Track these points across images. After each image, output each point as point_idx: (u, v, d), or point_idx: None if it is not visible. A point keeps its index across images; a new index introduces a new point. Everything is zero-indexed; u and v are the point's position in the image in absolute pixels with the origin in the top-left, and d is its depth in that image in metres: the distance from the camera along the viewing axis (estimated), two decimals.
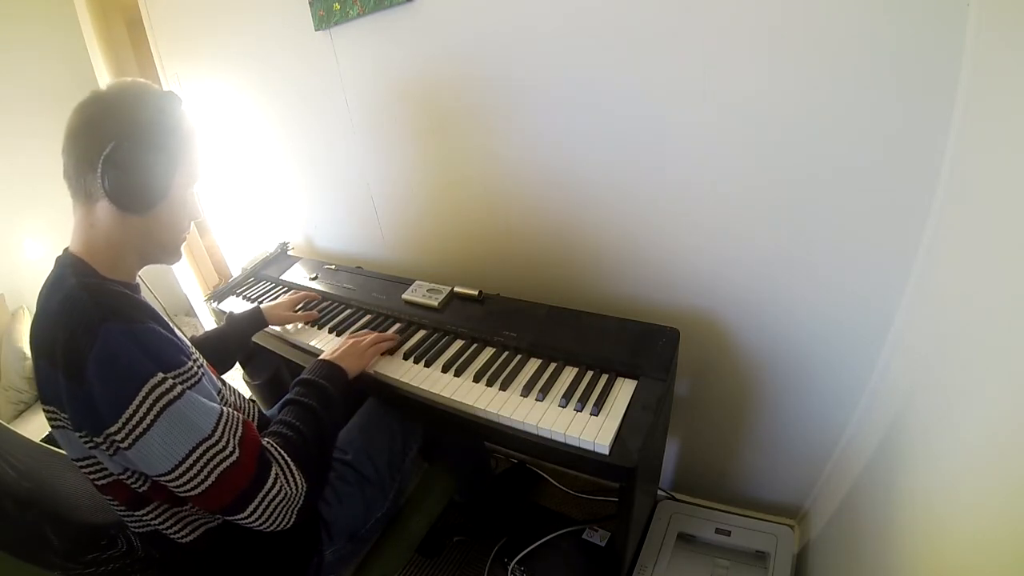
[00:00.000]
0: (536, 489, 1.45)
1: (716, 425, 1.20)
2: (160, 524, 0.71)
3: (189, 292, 2.52)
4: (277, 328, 1.18)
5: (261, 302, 1.34)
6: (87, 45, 1.99)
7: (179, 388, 0.62)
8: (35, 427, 1.82)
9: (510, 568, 1.18)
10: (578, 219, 1.13)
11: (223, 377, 0.92)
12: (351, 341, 0.95)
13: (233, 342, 1.10)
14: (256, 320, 1.13)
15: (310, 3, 1.22)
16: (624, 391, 0.84)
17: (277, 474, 0.67)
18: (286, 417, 0.77)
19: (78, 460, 0.67)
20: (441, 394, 0.89)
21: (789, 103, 0.81)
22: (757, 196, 0.90)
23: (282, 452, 0.70)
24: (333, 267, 1.40)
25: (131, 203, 0.68)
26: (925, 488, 0.64)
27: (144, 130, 0.67)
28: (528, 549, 1.19)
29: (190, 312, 2.70)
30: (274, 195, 1.75)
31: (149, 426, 0.59)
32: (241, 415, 0.68)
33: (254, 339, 1.16)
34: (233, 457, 0.63)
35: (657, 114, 0.93)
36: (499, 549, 1.25)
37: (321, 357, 0.90)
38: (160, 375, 0.60)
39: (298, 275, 1.42)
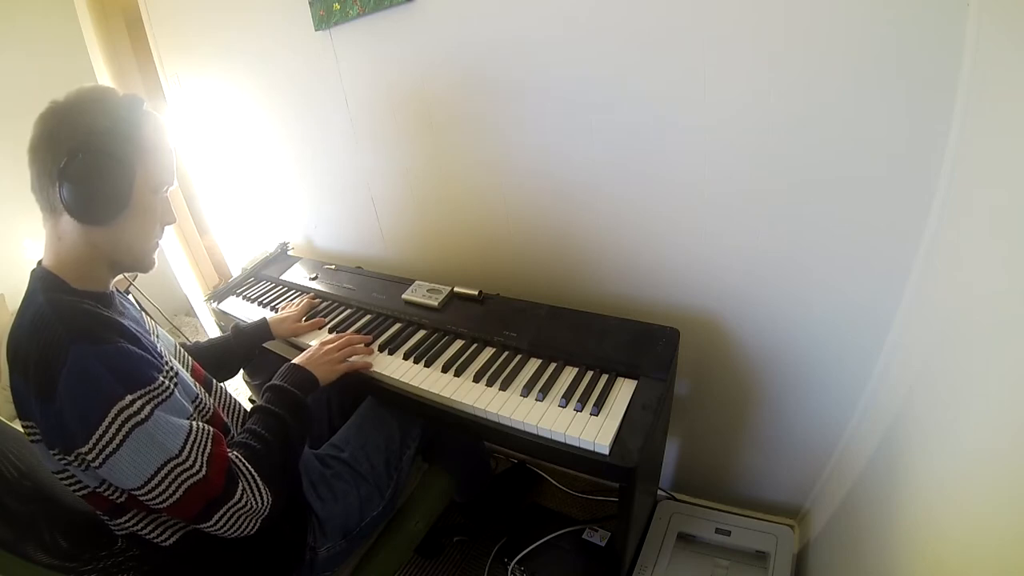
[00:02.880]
0: (536, 489, 1.45)
1: (716, 425, 1.20)
2: (140, 529, 0.73)
3: (189, 292, 2.53)
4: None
5: (263, 304, 1.34)
6: (87, 45, 1.99)
7: (148, 409, 0.63)
8: None
9: (510, 568, 1.18)
10: (578, 219, 1.13)
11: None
12: (325, 348, 0.95)
13: (237, 355, 1.10)
14: (262, 334, 1.13)
15: (310, 3, 1.22)
16: (624, 391, 0.84)
17: (244, 488, 0.67)
18: (254, 426, 0.77)
19: (56, 472, 0.69)
20: (441, 394, 0.89)
21: (788, 104, 0.81)
22: (757, 197, 0.90)
23: (248, 466, 0.70)
24: (333, 267, 1.40)
25: (91, 216, 0.67)
26: (925, 488, 0.64)
27: (98, 140, 0.66)
28: (528, 549, 1.19)
29: (190, 312, 2.70)
30: (274, 195, 1.75)
31: (118, 446, 0.60)
32: (211, 430, 0.69)
33: None
34: (200, 474, 0.64)
35: (657, 115, 0.93)
36: (499, 549, 1.25)
37: (294, 361, 0.90)
38: (128, 397, 0.61)
39: (298, 275, 1.42)
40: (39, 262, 0.72)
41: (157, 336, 0.83)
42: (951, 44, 0.67)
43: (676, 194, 0.98)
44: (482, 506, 1.31)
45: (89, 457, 0.60)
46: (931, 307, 0.75)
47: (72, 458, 0.63)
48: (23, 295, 0.69)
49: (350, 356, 0.98)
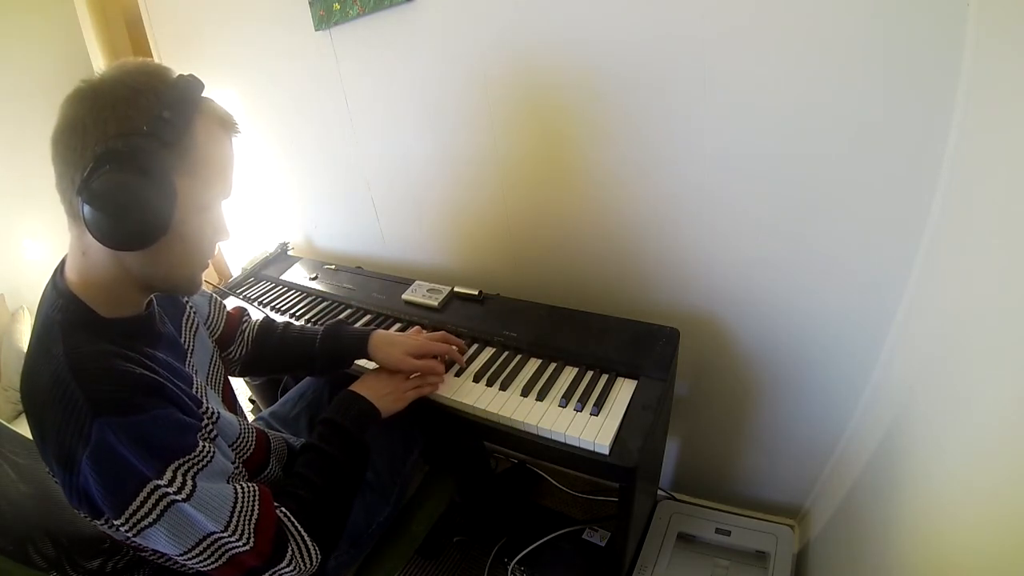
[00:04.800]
0: (536, 489, 1.45)
1: (716, 425, 1.20)
2: (163, 561, 0.70)
3: None
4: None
5: (263, 304, 1.33)
6: (87, 45, 1.98)
7: (189, 484, 0.55)
8: None
9: (510, 568, 1.18)
10: (577, 219, 1.13)
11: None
12: (396, 379, 0.86)
13: (300, 364, 0.96)
14: (355, 350, 0.91)
15: (310, 3, 1.22)
16: (624, 391, 0.84)
17: (292, 552, 0.62)
18: (304, 470, 0.71)
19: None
20: (441, 394, 0.89)
21: (786, 104, 0.81)
22: (757, 196, 0.90)
23: (297, 524, 0.64)
24: (333, 267, 1.40)
25: (116, 243, 0.54)
26: (925, 487, 0.64)
27: (131, 147, 0.53)
28: (528, 549, 1.19)
29: None
30: (274, 195, 1.75)
31: (154, 521, 0.54)
32: (256, 489, 0.62)
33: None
34: (248, 545, 0.58)
35: (657, 115, 0.93)
36: (499, 549, 1.25)
37: (353, 388, 0.82)
38: (167, 475, 0.53)
39: (298, 275, 1.42)
40: (62, 270, 0.61)
41: (192, 350, 0.75)
42: (951, 44, 0.67)
43: (674, 193, 0.98)
44: (482, 506, 1.31)
45: (123, 528, 0.54)
46: (932, 306, 0.75)
47: (102, 522, 0.57)
48: (38, 309, 0.61)
49: (421, 382, 0.87)
